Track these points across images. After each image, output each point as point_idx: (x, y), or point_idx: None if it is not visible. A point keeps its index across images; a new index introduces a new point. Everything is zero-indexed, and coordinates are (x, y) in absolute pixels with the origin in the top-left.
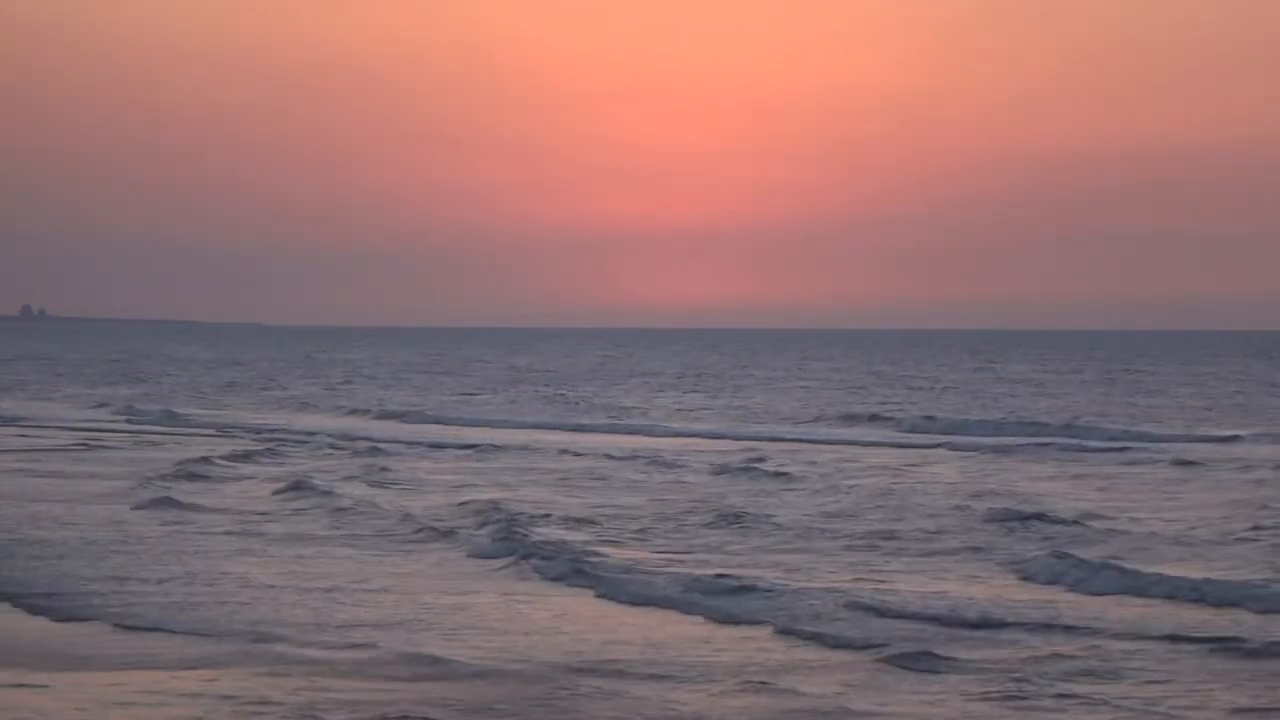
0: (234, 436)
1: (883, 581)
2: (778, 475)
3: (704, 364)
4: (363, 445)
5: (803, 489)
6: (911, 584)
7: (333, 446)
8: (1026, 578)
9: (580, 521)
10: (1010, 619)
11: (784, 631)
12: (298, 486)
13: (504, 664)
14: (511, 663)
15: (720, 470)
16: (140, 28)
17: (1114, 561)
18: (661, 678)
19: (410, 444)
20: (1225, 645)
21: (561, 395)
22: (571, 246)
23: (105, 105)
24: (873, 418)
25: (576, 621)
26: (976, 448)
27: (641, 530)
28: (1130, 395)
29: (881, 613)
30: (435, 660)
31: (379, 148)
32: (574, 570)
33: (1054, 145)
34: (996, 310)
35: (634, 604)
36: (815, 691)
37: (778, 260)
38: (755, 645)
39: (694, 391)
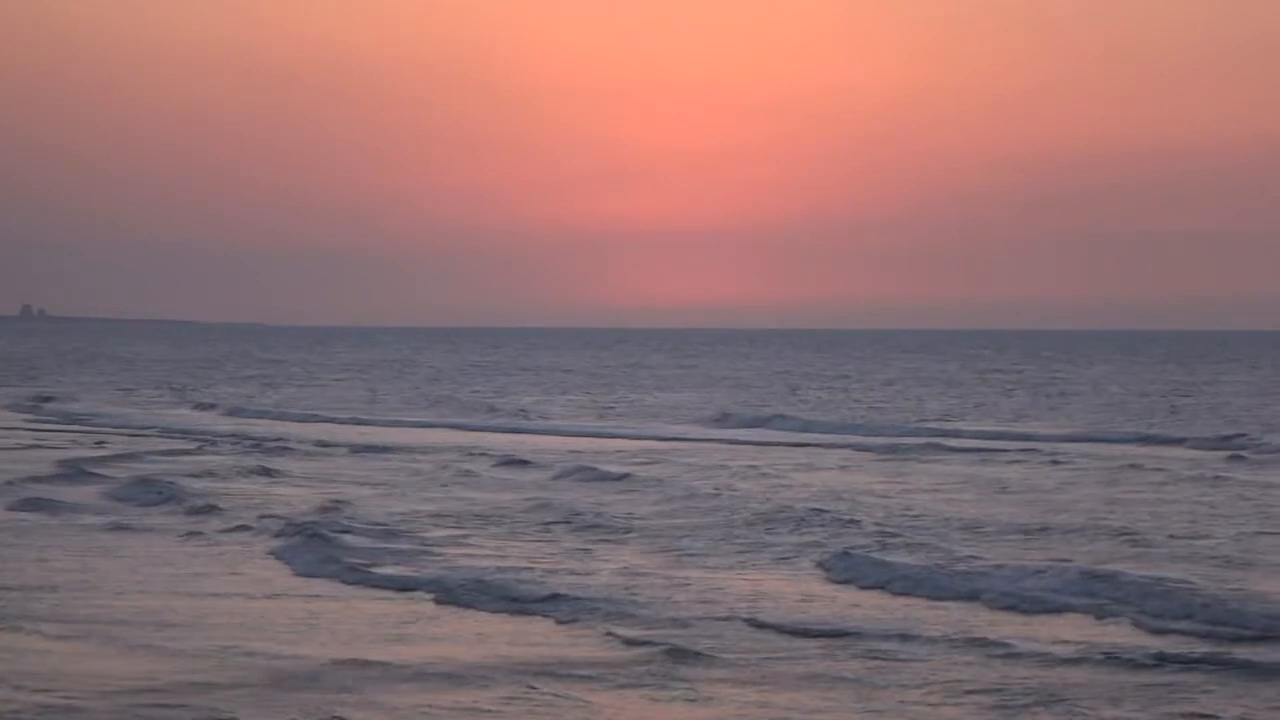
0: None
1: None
2: (621, 477)
3: (650, 361)
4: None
5: (637, 490)
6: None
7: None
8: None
9: (376, 522)
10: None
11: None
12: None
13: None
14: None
15: (564, 473)
16: (140, 28)
17: (889, 560)
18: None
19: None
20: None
21: (445, 393)
22: (571, 246)
23: (105, 105)
24: (776, 416)
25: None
26: (850, 446)
27: (439, 528)
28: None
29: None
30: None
31: (379, 148)
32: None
33: (1054, 145)
34: (996, 310)
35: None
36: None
37: (778, 260)
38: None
39: (605, 390)
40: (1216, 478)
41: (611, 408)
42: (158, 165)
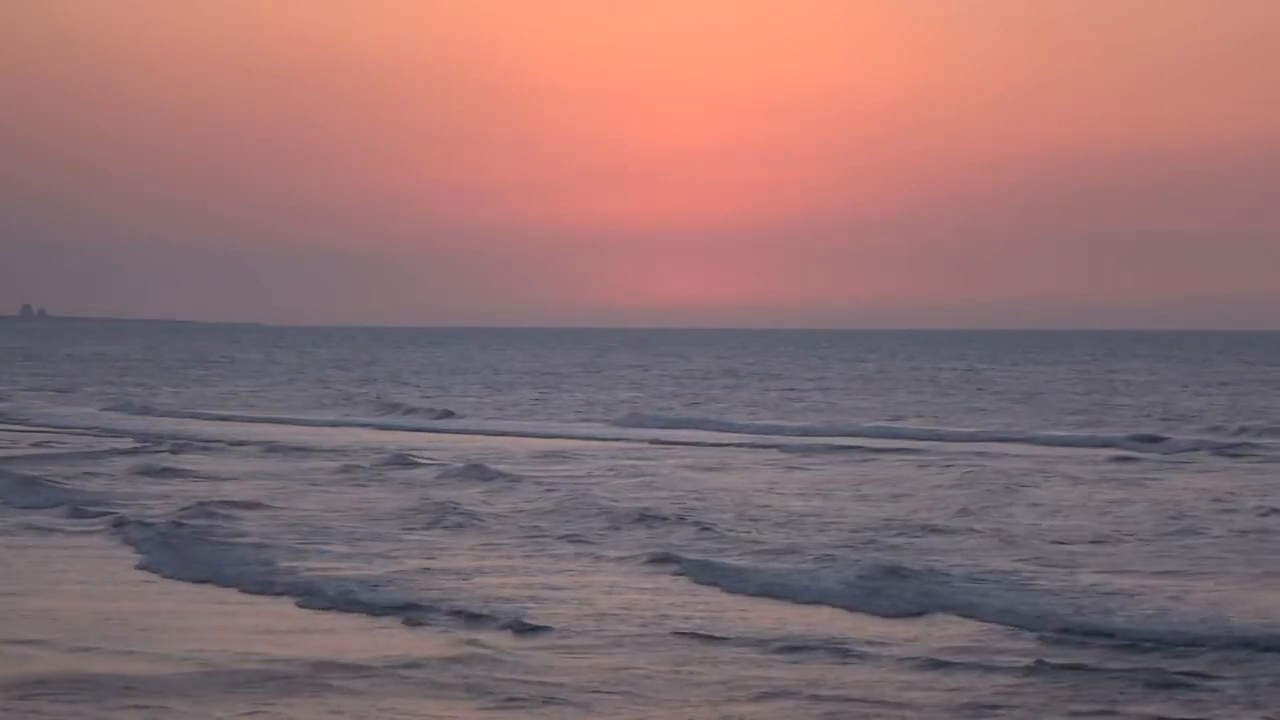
0: None
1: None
2: (497, 477)
3: (603, 362)
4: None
5: (509, 489)
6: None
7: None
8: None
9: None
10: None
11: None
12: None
13: None
14: None
15: (450, 473)
16: (140, 28)
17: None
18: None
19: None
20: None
21: (360, 392)
22: (571, 246)
23: (105, 105)
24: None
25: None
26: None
27: (310, 527)
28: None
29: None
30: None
31: (379, 148)
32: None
33: (1054, 145)
34: (996, 310)
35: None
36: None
37: (778, 260)
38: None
39: (547, 389)
40: (1102, 478)
41: (539, 406)
42: (158, 165)
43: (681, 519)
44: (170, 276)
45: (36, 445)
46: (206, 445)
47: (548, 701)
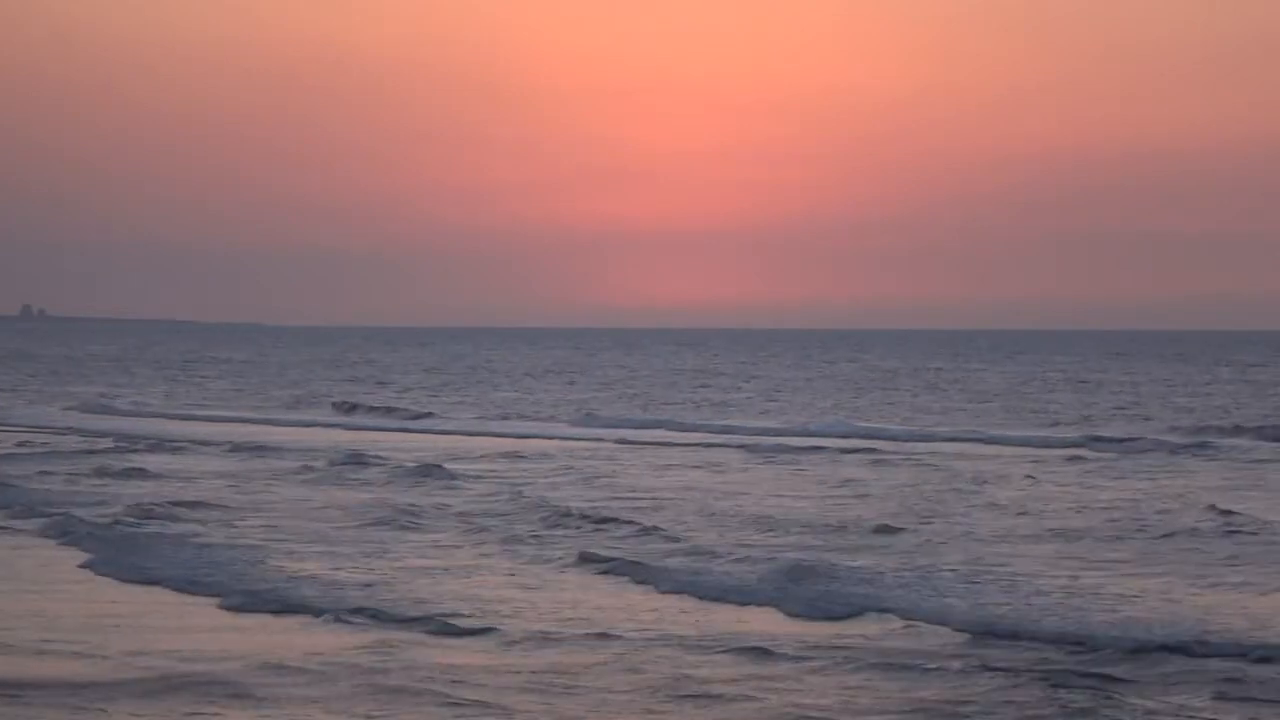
0: None
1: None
2: (459, 475)
3: (593, 362)
4: None
5: (466, 489)
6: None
7: None
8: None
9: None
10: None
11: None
12: None
13: None
14: None
15: (403, 473)
16: (140, 28)
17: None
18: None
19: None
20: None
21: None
22: (571, 246)
23: (105, 105)
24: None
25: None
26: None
27: (248, 525)
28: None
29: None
30: None
31: (379, 148)
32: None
33: (1054, 145)
34: (996, 310)
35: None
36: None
37: (778, 260)
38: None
39: (525, 390)
40: (1052, 478)
41: (516, 405)
42: (158, 165)
43: (623, 519)
44: (170, 276)
45: (20, 445)
46: (171, 445)
47: (467, 703)
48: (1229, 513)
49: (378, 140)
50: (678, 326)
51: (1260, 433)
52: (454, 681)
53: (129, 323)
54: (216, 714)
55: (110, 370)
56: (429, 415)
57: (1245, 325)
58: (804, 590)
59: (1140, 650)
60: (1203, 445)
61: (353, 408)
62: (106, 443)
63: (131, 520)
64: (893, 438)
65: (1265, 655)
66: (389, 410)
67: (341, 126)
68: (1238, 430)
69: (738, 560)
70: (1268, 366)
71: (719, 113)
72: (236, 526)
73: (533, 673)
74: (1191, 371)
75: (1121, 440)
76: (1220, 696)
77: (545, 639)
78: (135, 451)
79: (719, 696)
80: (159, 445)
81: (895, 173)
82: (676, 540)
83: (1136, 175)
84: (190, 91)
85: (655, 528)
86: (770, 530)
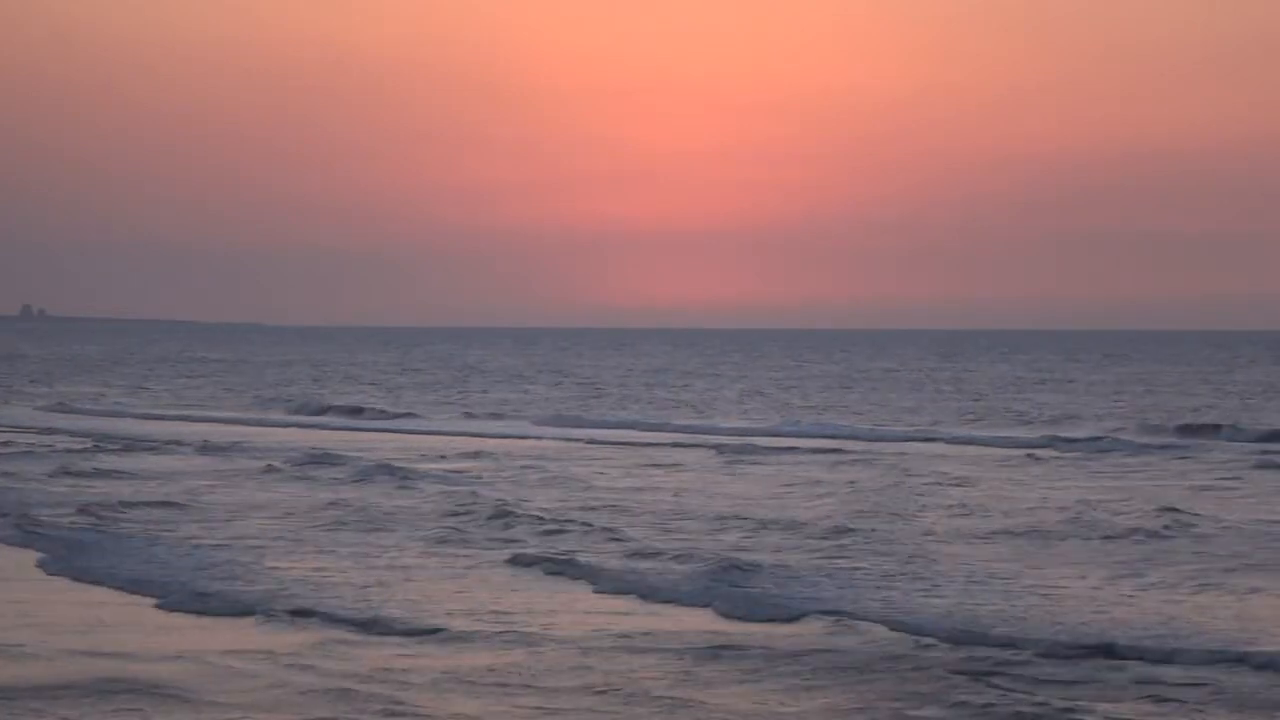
0: None
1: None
2: (414, 475)
3: (580, 362)
4: None
5: (418, 489)
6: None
7: None
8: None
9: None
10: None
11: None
12: None
13: None
14: None
15: (359, 472)
16: (140, 28)
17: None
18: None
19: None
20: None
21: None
22: (571, 246)
23: (105, 105)
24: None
25: None
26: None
27: (199, 524)
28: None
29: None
30: None
31: (379, 148)
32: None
33: (1054, 145)
34: (997, 310)
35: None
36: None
37: (778, 260)
38: None
39: (498, 389)
40: (1007, 477)
41: (493, 407)
42: (158, 165)
43: (575, 520)
44: (170, 276)
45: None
46: (142, 445)
47: (406, 704)
48: (1174, 510)
49: (378, 140)
50: (678, 327)
51: (1234, 433)
52: (393, 683)
53: (129, 323)
54: (152, 715)
55: (96, 370)
56: (409, 415)
57: (1245, 325)
58: (743, 591)
59: (1062, 650)
60: (1169, 446)
61: (326, 409)
62: (78, 442)
63: (85, 520)
64: (861, 437)
65: (1174, 658)
66: (360, 411)
67: (341, 126)
68: (1210, 430)
69: (681, 561)
70: (1259, 365)
71: (719, 113)
72: (188, 527)
73: (470, 673)
74: (1183, 372)
75: (1084, 440)
76: (1142, 698)
77: (483, 639)
78: (104, 452)
79: (659, 699)
80: (130, 445)
81: (895, 173)
82: (624, 541)
83: (1136, 175)
84: (190, 91)
85: (606, 528)
86: (721, 531)
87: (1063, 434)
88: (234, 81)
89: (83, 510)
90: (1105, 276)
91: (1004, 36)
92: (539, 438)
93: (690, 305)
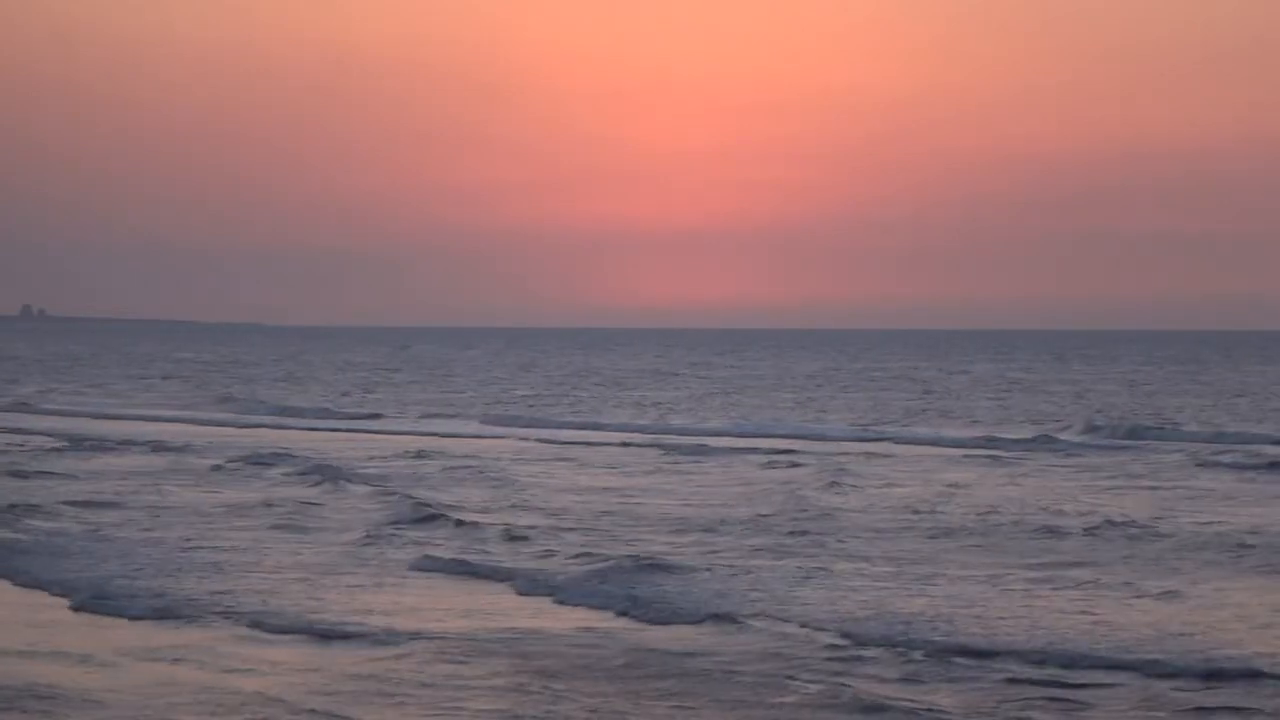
0: None
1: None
2: (348, 475)
3: (562, 362)
4: None
5: (349, 489)
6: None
7: None
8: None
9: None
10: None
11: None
12: None
13: None
14: None
15: (296, 472)
16: (140, 28)
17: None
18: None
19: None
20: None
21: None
22: (571, 246)
23: (106, 105)
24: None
25: None
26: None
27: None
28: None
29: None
30: None
31: (379, 148)
32: None
33: (1054, 145)
34: (997, 310)
35: None
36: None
37: (778, 260)
38: None
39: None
40: (894, 479)
41: (463, 405)
42: (158, 165)
43: (495, 520)
44: (170, 276)
45: None
46: (94, 444)
47: (300, 706)
48: (1090, 513)
49: (378, 140)
50: (677, 326)
51: (1181, 434)
52: (286, 683)
53: (129, 322)
54: (45, 714)
55: (77, 369)
56: (373, 415)
57: (1245, 325)
58: (654, 591)
59: (944, 651)
60: (1108, 446)
61: (286, 408)
62: (32, 442)
63: (12, 520)
64: (808, 436)
65: (1049, 660)
66: (328, 411)
67: (341, 126)
68: (1156, 431)
69: (594, 561)
70: (1252, 366)
71: (719, 113)
72: (120, 527)
73: (359, 671)
74: (1170, 373)
75: (1021, 441)
76: (1010, 699)
77: (369, 639)
78: (55, 451)
79: (561, 695)
80: (80, 445)
81: (895, 173)
82: (541, 542)
83: (1136, 175)
84: (190, 92)
85: (528, 528)
86: (645, 531)
87: (1002, 434)
88: (234, 81)
89: (10, 509)
90: (1105, 276)
91: (1004, 37)
92: (489, 437)
93: (690, 305)
